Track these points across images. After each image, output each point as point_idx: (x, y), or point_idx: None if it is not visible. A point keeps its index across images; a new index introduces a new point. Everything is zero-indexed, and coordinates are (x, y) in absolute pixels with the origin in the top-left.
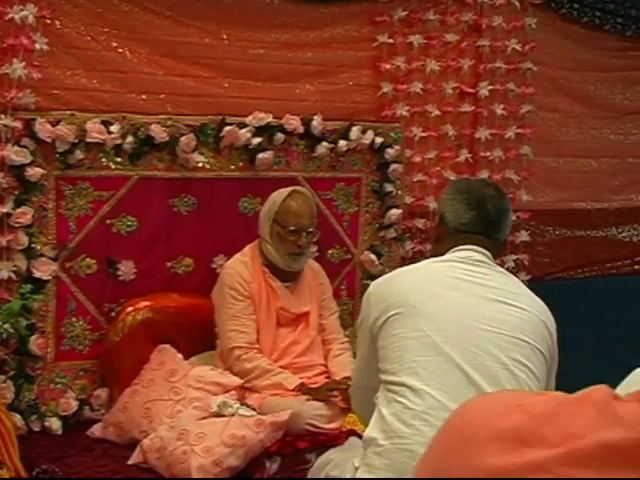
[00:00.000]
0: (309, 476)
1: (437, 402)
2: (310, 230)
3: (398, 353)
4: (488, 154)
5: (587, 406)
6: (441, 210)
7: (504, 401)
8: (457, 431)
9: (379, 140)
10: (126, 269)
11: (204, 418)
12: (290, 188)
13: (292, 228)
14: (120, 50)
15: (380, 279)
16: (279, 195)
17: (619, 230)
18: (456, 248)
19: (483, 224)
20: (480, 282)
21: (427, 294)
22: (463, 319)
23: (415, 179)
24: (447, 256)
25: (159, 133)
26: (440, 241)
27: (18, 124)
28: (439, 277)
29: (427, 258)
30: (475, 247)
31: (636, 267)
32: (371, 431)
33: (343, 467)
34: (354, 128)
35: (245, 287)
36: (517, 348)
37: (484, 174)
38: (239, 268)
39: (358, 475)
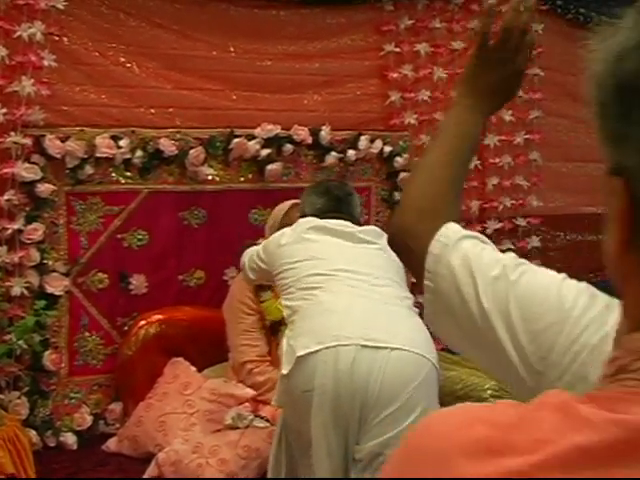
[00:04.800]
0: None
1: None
2: None
3: (294, 271)
4: (497, 160)
5: (548, 410)
6: (301, 211)
7: (462, 415)
8: (418, 449)
9: (388, 149)
10: (138, 283)
11: (218, 430)
12: (290, 202)
13: None
14: (128, 65)
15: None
16: (280, 210)
17: None
18: None
19: (334, 204)
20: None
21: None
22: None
23: None
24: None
25: (168, 147)
26: None
27: (28, 141)
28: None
29: None
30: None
31: None
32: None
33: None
34: (362, 137)
35: (255, 301)
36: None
37: (494, 180)
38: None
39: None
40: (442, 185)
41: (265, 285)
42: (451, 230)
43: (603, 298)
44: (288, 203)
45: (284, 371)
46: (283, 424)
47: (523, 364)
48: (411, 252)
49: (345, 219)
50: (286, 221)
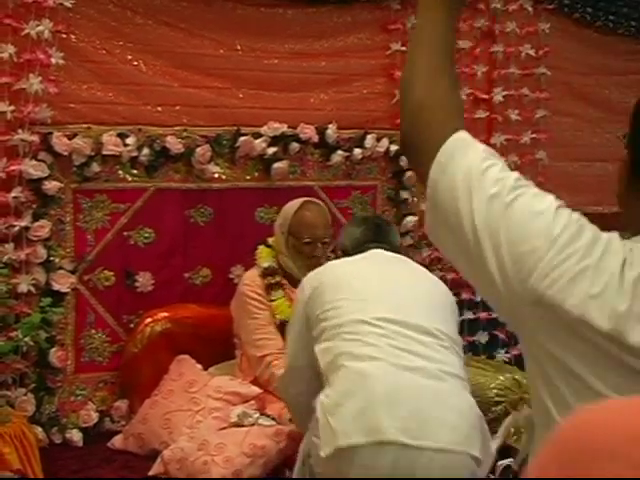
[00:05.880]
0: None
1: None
2: (325, 240)
3: (336, 312)
4: (503, 160)
5: None
6: (341, 246)
7: (625, 407)
8: (573, 444)
9: (394, 148)
10: (144, 280)
11: (224, 428)
12: (302, 199)
13: (307, 240)
14: (135, 63)
15: (311, 273)
16: (291, 207)
17: None
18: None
19: (372, 232)
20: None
21: (351, 274)
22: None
23: None
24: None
25: (175, 145)
26: None
27: (35, 138)
28: (360, 263)
29: (444, 265)
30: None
31: None
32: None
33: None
34: (369, 136)
35: (266, 298)
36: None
37: None
38: (258, 280)
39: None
40: (443, 84)
41: (276, 284)
42: (460, 139)
43: (591, 231)
44: (299, 201)
45: (322, 453)
46: (307, 453)
47: (505, 285)
48: (419, 150)
49: (385, 249)
50: (297, 220)
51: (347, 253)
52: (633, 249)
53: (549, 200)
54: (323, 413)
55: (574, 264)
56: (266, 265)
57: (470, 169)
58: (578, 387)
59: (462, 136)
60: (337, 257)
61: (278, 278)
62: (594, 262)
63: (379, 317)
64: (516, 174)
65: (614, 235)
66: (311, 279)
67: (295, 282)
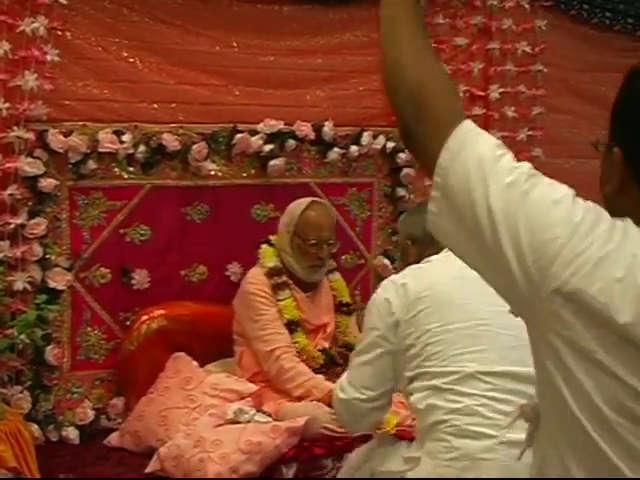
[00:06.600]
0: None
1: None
2: (330, 242)
3: (435, 349)
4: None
5: None
6: (407, 235)
7: None
8: None
9: (390, 145)
10: (140, 278)
11: (220, 425)
12: (308, 199)
13: (313, 241)
14: (131, 60)
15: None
16: (297, 207)
17: None
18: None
19: None
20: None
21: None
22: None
23: (427, 183)
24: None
25: (171, 142)
26: (422, 259)
27: (31, 135)
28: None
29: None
30: None
31: None
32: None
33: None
34: (365, 133)
35: (273, 297)
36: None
37: None
38: (263, 279)
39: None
40: (435, 64)
41: (282, 283)
42: (469, 127)
43: (608, 218)
44: (306, 200)
45: None
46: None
47: (522, 272)
48: (424, 134)
49: None
50: (303, 220)
51: (421, 243)
52: None
53: (565, 188)
54: None
55: (597, 250)
56: (271, 265)
57: (483, 157)
58: (598, 375)
59: (471, 124)
60: (404, 250)
61: (284, 278)
62: (616, 246)
63: (489, 371)
64: (528, 163)
65: (629, 221)
66: (397, 294)
67: (298, 281)
